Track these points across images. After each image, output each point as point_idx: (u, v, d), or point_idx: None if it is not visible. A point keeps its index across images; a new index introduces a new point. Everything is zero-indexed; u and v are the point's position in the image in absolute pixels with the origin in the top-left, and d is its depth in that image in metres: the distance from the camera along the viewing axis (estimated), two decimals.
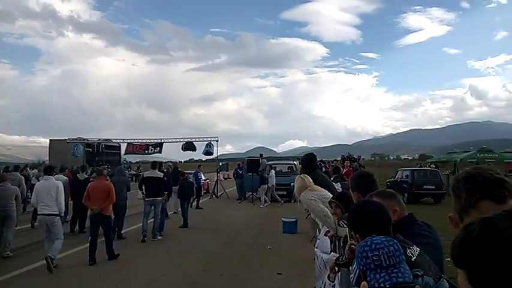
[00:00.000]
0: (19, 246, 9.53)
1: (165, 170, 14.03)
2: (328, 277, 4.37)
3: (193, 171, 19.59)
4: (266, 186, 19.37)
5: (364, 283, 1.32)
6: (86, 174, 12.96)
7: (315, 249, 5.23)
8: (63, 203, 8.59)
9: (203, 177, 22.58)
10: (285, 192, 20.07)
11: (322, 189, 5.19)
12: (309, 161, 5.98)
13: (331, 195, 4.99)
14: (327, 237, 5.03)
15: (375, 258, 1.54)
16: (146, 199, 11.10)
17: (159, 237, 11.03)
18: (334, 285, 4.16)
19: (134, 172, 34.39)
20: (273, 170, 20.36)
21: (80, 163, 21.12)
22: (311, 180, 5.26)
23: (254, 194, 20.47)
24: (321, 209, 4.84)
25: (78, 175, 12.54)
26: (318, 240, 5.61)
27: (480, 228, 0.94)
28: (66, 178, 12.23)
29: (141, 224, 11.03)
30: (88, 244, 8.60)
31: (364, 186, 3.00)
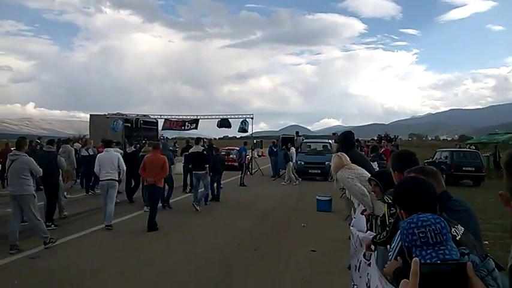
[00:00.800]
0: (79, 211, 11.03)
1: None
2: (364, 255, 4.38)
3: (239, 148, 19.67)
4: (291, 163, 19.36)
5: (415, 259, 1.32)
6: (133, 147, 14.07)
7: (351, 227, 5.23)
8: (124, 169, 10.06)
9: (250, 154, 22.75)
10: (319, 171, 20.04)
11: (360, 167, 5.15)
12: (347, 139, 5.93)
13: (369, 174, 4.96)
14: (363, 215, 5.02)
15: (421, 235, 1.54)
16: (193, 172, 12.26)
17: (199, 208, 11.62)
18: (370, 263, 4.16)
19: (171, 148, 34.92)
20: (293, 148, 20.34)
21: (119, 138, 21.71)
22: (348, 158, 5.23)
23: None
24: (358, 188, 4.82)
25: (126, 149, 13.53)
26: (353, 219, 5.60)
27: None
28: (121, 151, 13.01)
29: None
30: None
31: (407, 165, 2.95)
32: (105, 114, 26.41)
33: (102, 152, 10.51)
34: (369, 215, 4.84)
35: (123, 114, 26.77)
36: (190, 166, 13.20)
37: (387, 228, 3.22)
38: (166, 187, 11.55)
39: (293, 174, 19.07)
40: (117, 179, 9.86)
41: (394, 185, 2.74)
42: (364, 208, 4.89)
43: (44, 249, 7.47)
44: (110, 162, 9.80)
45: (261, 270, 6.57)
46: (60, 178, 10.05)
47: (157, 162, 9.65)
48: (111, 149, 10.52)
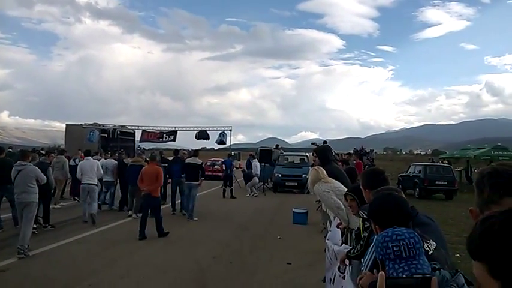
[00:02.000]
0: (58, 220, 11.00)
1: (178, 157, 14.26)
2: (339, 268, 4.43)
3: (225, 159, 19.43)
4: (256, 179, 19.52)
5: (381, 272, 1.37)
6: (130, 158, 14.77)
7: (326, 240, 5.29)
8: (101, 174, 12.04)
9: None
10: (296, 184, 20.14)
11: (336, 181, 5.23)
12: (324, 154, 6.02)
13: (345, 188, 5.05)
14: (339, 229, 5.09)
15: (395, 248, 1.59)
16: (186, 182, 12.51)
17: (195, 218, 12.10)
18: (344, 276, 4.23)
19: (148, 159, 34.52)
20: (256, 160, 20.49)
21: (95, 148, 21.42)
22: (325, 172, 5.31)
23: (266, 184, 20.53)
24: (333, 201, 4.89)
25: (124, 160, 14.27)
26: (329, 232, 5.67)
27: (503, 221, 0.95)
28: (116, 162, 13.87)
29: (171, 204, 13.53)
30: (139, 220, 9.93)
31: (376, 183, 3.03)
32: (81, 124, 26.11)
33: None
34: (344, 228, 4.91)
35: (99, 125, 26.53)
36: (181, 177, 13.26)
37: (361, 242, 3.27)
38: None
39: (253, 187, 19.18)
40: (95, 183, 11.35)
41: (369, 200, 2.81)
42: (339, 221, 4.96)
43: (15, 262, 7.29)
44: (91, 168, 11.31)
45: (237, 283, 6.56)
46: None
47: (152, 173, 10.02)
48: (91, 157, 12.14)
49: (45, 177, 8.57)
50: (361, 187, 3.26)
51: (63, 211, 12.76)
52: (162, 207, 10.83)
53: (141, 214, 10.25)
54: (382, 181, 3.12)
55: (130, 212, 12.25)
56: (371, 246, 2.37)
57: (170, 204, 13.70)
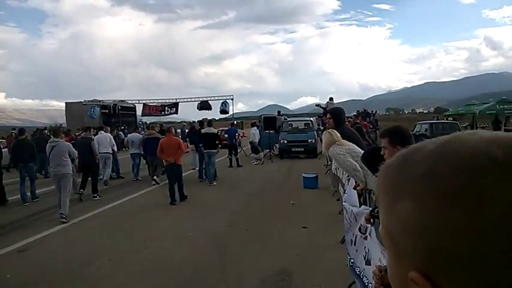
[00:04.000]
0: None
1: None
2: (359, 229, 4.44)
3: (228, 129, 19.39)
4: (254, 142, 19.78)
5: None
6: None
7: (343, 203, 5.28)
8: (113, 145, 14.48)
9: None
10: (302, 149, 20.17)
11: (350, 143, 5.18)
12: (337, 116, 5.94)
13: (360, 150, 5.00)
14: (355, 191, 5.08)
15: None
16: (205, 151, 13.43)
17: (215, 183, 13.30)
18: (366, 237, 4.23)
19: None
20: (254, 128, 20.61)
21: (97, 124, 21.38)
22: (339, 134, 5.25)
23: (272, 151, 20.55)
24: (350, 163, 4.84)
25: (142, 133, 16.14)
26: (345, 194, 5.66)
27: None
28: (141, 136, 15.18)
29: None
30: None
31: (406, 139, 3.02)
32: (81, 102, 25.94)
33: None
34: (361, 189, 4.89)
35: (99, 101, 26.34)
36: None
37: None
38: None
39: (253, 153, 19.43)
40: (111, 152, 14.02)
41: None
42: (356, 183, 4.94)
43: (32, 242, 7.39)
44: (105, 140, 13.89)
45: (255, 249, 6.62)
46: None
47: (174, 143, 10.68)
48: (103, 131, 14.51)
49: (76, 152, 9.89)
50: (386, 144, 3.18)
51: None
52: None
53: (158, 177, 13.29)
54: (409, 137, 3.11)
55: (155, 178, 13.52)
56: None
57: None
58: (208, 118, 17.03)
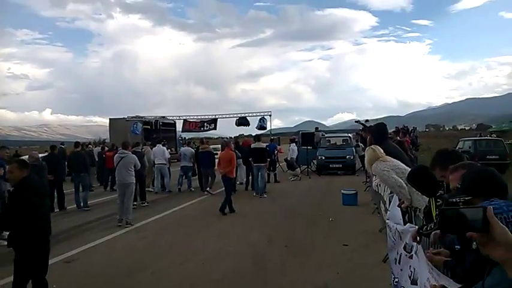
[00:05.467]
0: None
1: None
2: (404, 248, 4.34)
3: (269, 144, 19.46)
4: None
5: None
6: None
7: (387, 220, 5.18)
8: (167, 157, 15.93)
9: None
10: (340, 165, 19.97)
11: (394, 159, 5.10)
12: (380, 131, 5.87)
13: (405, 166, 4.92)
14: (399, 208, 4.97)
15: None
16: (255, 164, 14.07)
17: (265, 195, 13.92)
18: (412, 255, 4.13)
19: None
20: (293, 144, 20.82)
21: (139, 140, 21.94)
22: (382, 150, 5.18)
23: (309, 167, 20.44)
24: (395, 180, 4.76)
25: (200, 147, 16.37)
26: (388, 212, 5.56)
27: None
28: (193, 150, 16.43)
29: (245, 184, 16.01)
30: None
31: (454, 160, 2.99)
32: (124, 118, 26.66)
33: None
34: (406, 207, 4.79)
35: (141, 117, 27.03)
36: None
37: (434, 220, 3.19)
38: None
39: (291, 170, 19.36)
40: (165, 163, 15.48)
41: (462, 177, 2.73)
42: (400, 200, 4.85)
43: (78, 252, 7.64)
44: (161, 152, 15.39)
45: (295, 265, 6.58)
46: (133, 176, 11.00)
47: (226, 157, 11.49)
48: (160, 145, 16.07)
49: (140, 164, 10.68)
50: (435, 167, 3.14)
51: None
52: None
53: (211, 189, 14.34)
54: (459, 157, 3.06)
55: (208, 189, 14.41)
56: None
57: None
58: (244, 134, 17.55)
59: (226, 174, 11.36)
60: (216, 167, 12.31)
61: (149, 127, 27.09)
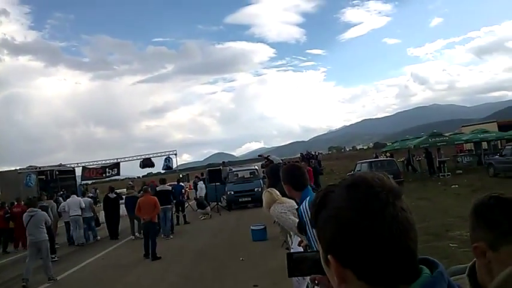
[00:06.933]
0: None
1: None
2: (307, 287, 4.38)
3: (175, 184, 18.92)
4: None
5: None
6: (114, 193, 16.09)
7: None
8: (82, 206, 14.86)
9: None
10: (250, 198, 20.05)
11: (291, 200, 5.18)
12: (274, 174, 5.96)
13: None
14: (301, 247, 5.04)
15: None
16: (161, 207, 13.02)
17: (171, 236, 14.12)
18: None
19: (92, 195, 33.27)
20: (201, 182, 20.86)
21: (34, 192, 20.34)
22: (278, 192, 5.25)
23: (219, 203, 20.31)
24: (292, 221, 4.81)
25: (109, 194, 15.93)
26: (292, 250, 5.61)
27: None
28: (90, 199, 16.55)
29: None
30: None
31: (295, 179, 3.45)
32: (16, 170, 24.72)
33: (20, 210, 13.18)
34: (305, 245, 4.87)
35: (35, 167, 25.24)
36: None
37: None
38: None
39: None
40: (80, 214, 14.52)
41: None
42: (300, 240, 4.92)
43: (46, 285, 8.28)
44: (76, 203, 14.70)
45: None
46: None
47: (150, 202, 11.51)
48: (75, 196, 15.91)
49: (50, 220, 10.75)
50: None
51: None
52: None
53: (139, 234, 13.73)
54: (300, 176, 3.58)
55: (136, 234, 14.42)
56: None
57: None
58: (153, 172, 17.33)
59: (151, 220, 11.31)
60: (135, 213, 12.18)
61: (44, 177, 25.27)
